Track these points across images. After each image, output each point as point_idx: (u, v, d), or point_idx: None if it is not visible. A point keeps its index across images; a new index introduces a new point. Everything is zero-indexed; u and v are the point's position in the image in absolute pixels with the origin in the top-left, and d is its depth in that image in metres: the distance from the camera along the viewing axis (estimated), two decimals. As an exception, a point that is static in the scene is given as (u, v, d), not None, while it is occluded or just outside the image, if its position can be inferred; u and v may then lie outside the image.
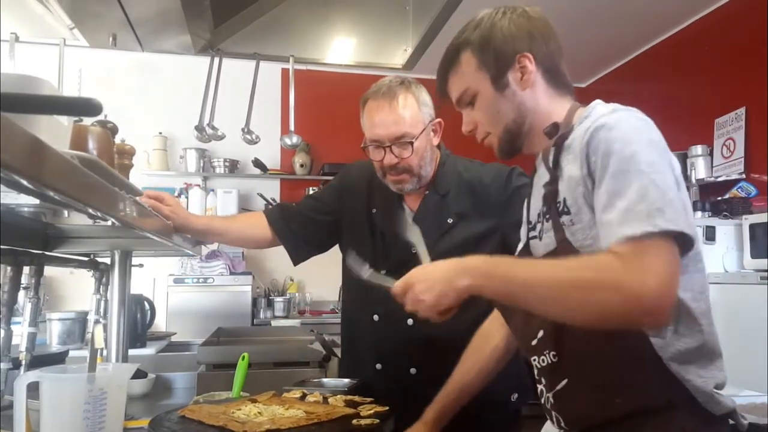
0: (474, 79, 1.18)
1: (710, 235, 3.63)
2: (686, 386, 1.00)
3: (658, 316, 0.91)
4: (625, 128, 1.02)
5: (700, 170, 4.26)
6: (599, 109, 1.15)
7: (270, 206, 4.76)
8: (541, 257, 1.15)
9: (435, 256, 1.58)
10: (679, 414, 1.00)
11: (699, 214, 3.90)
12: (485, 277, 1.02)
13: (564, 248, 1.06)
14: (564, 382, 1.07)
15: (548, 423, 1.18)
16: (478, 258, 1.06)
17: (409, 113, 1.57)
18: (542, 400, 1.15)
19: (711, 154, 4.30)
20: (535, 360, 1.13)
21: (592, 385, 1.04)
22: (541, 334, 1.10)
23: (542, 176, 1.19)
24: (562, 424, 1.11)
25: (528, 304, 1.00)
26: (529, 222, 1.25)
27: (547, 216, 1.13)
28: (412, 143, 1.56)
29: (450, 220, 1.61)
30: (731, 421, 1.05)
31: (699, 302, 1.04)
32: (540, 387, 1.15)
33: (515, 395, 1.60)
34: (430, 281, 1.06)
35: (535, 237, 1.20)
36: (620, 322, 0.94)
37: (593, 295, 0.92)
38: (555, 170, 1.12)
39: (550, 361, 1.09)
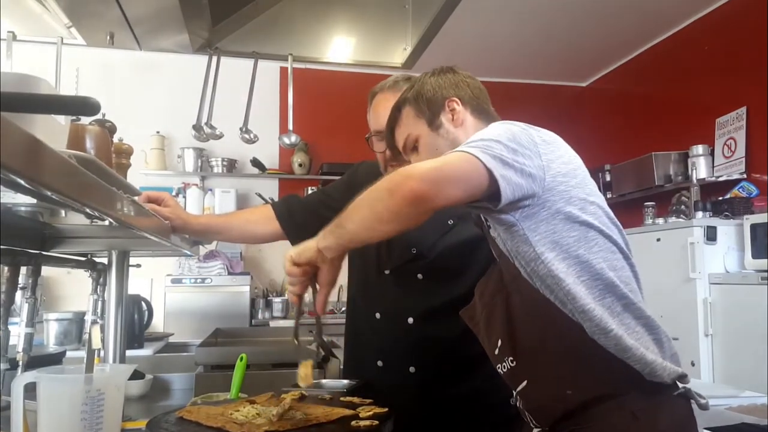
0: (413, 126, 1.37)
1: (711, 235, 3.63)
2: (630, 365, 1.06)
3: (414, 199, 1.02)
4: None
5: (701, 170, 4.26)
6: None
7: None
8: (491, 273, 1.26)
9: (435, 257, 1.60)
10: (629, 398, 1.07)
11: (700, 214, 3.90)
12: (329, 233, 1.16)
13: (504, 261, 1.18)
14: (524, 383, 1.16)
15: None
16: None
17: None
18: (517, 404, 1.23)
19: (712, 153, 4.30)
20: (499, 367, 1.21)
21: (546, 382, 1.12)
22: (499, 343, 1.18)
23: None
24: (534, 422, 1.18)
25: (355, 232, 1.13)
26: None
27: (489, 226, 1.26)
28: None
29: (450, 222, 1.61)
30: (694, 403, 1.12)
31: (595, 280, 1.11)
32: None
33: (513, 399, 1.60)
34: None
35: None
36: (396, 210, 1.04)
37: (376, 195, 1.08)
38: None
39: (509, 367, 1.17)
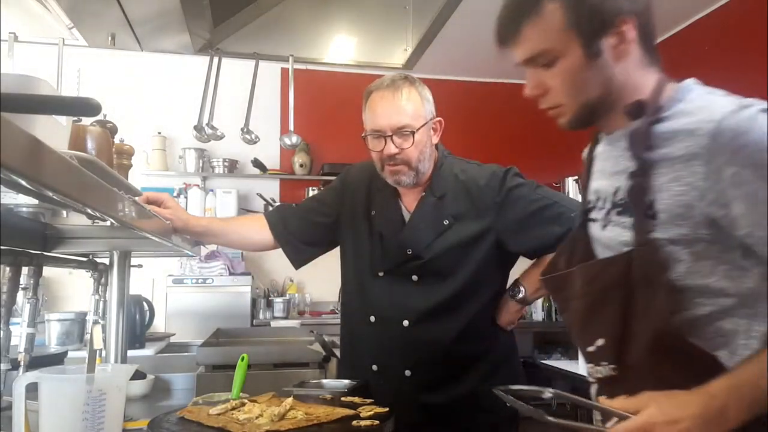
0: (560, 39, 0.97)
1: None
2: None
3: None
4: None
5: (701, 170, 4.24)
6: (718, 101, 1.01)
7: (270, 207, 4.77)
8: (611, 255, 1.02)
9: (431, 257, 1.59)
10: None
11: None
12: (740, 400, 0.86)
13: (646, 253, 0.94)
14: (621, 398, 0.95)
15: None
16: (724, 386, 0.88)
17: (412, 105, 1.58)
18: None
19: (712, 154, 4.29)
20: (590, 366, 1.05)
21: None
22: (601, 342, 1.00)
23: (617, 157, 1.05)
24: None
25: None
26: (587, 201, 1.12)
27: (621, 209, 1.01)
28: (413, 134, 1.56)
29: (446, 222, 1.61)
30: None
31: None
32: (594, 389, 1.08)
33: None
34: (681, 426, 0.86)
35: (594, 220, 1.08)
36: None
37: None
38: (646, 162, 0.98)
39: (607, 374, 1.00)
